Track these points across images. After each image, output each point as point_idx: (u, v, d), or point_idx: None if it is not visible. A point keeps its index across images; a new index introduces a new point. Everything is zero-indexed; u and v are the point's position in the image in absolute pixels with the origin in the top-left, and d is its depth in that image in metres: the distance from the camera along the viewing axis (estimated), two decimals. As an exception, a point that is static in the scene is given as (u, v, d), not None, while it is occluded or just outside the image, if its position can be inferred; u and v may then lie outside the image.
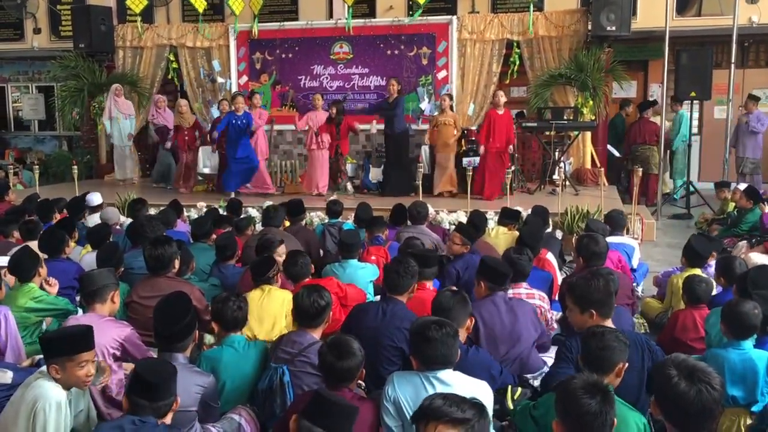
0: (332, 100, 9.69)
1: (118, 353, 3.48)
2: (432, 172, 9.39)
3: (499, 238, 5.93)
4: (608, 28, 9.42)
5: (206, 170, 10.34)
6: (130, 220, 6.42)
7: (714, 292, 4.39)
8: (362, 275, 4.88)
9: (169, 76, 11.63)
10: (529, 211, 7.26)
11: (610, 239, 4.97)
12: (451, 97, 9.40)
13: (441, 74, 10.43)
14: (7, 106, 15.11)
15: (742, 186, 7.86)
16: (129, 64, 11.71)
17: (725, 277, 4.38)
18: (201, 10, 11.07)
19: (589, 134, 10.22)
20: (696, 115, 10.28)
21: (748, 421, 3.22)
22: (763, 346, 3.39)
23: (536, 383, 3.51)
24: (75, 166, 9.24)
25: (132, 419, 2.46)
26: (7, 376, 3.35)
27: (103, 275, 3.73)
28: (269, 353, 3.48)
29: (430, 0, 10.75)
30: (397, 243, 5.69)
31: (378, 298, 4.75)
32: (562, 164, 9.51)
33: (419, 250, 4.52)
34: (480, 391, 2.84)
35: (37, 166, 9.71)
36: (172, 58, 11.57)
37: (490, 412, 2.88)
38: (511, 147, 9.09)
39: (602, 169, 9.20)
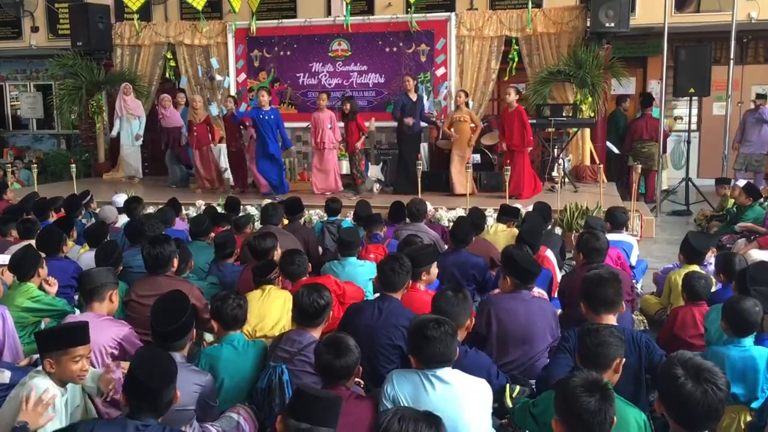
0: (345, 96, 9.64)
1: (116, 352, 3.48)
2: (435, 170, 9.35)
3: (498, 235, 5.93)
4: (607, 25, 9.41)
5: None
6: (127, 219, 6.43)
7: (713, 289, 4.39)
8: (361, 273, 4.87)
9: (167, 74, 11.62)
10: (530, 208, 7.27)
11: (608, 236, 4.95)
12: (466, 94, 9.32)
13: (440, 71, 10.41)
14: (5, 105, 15.08)
15: (742, 183, 7.86)
16: (127, 63, 11.71)
17: (725, 274, 4.38)
18: (200, 8, 11.05)
19: (588, 131, 10.20)
20: (695, 111, 10.26)
21: (749, 418, 3.22)
22: (762, 342, 3.39)
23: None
24: (73, 165, 9.23)
25: (135, 424, 2.42)
26: (5, 376, 3.35)
27: (102, 274, 3.72)
28: (268, 352, 3.48)
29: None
30: (396, 241, 5.68)
31: (377, 296, 4.75)
32: (561, 161, 9.51)
33: (414, 249, 4.50)
34: (479, 388, 2.84)
35: (35, 165, 9.68)
36: (169, 56, 11.56)
37: (489, 411, 2.88)
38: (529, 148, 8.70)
39: (601, 165, 9.19)
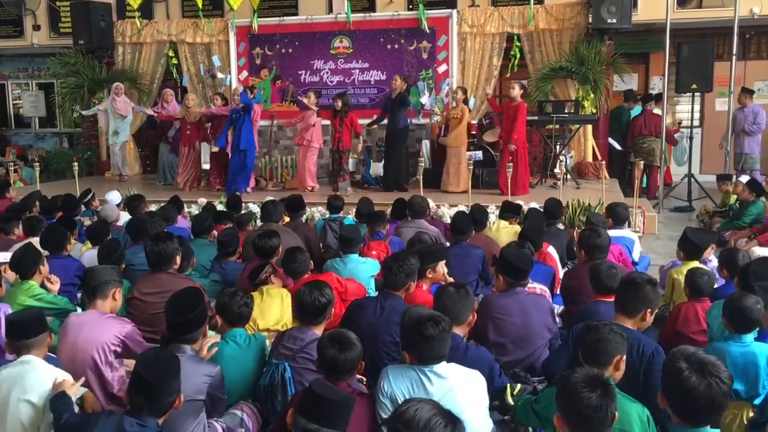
0: (337, 93, 9.65)
1: (119, 350, 3.48)
2: (437, 167, 9.35)
3: (501, 232, 5.92)
4: (609, 21, 9.40)
5: (206, 166, 10.34)
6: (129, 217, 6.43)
7: (716, 285, 4.38)
8: (363, 270, 4.87)
9: (171, 71, 11.62)
10: (531, 204, 7.27)
11: (609, 233, 4.95)
12: (464, 91, 9.31)
13: (441, 68, 10.41)
14: (7, 104, 15.09)
15: (744, 178, 7.84)
16: (129, 61, 11.72)
17: (728, 270, 4.37)
18: (200, 5, 11.05)
19: (590, 127, 10.20)
20: (697, 107, 10.24)
21: (750, 415, 3.22)
22: (764, 339, 3.38)
23: (541, 387, 3.47)
24: (76, 163, 9.24)
25: (131, 421, 2.44)
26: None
27: (106, 271, 3.72)
28: (271, 349, 3.48)
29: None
30: (398, 237, 5.68)
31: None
32: (563, 158, 9.50)
33: (422, 247, 4.50)
34: (473, 379, 2.85)
35: (37, 163, 9.70)
36: (171, 54, 11.56)
37: (484, 402, 2.88)
38: (512, 146, 8.66)
39: (603, 162, 9.17)
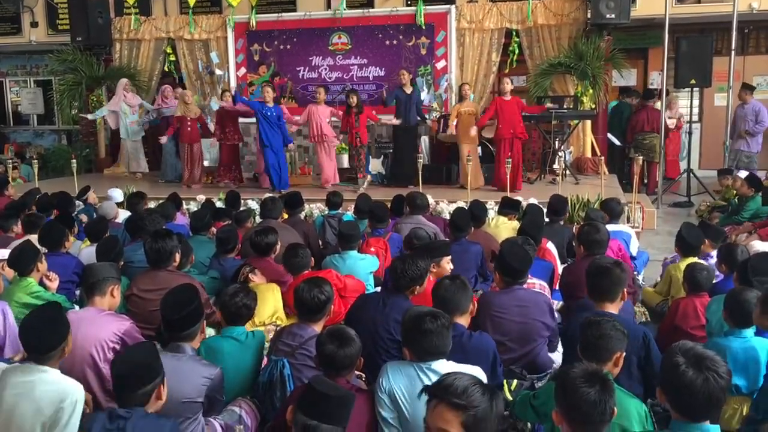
0: (348, 89, 9.62)
1: (117, 347, 3.47)
2: (436, 164, 9.33)
3: (500, 228, 5.91)
4: (608, 16, 9.38)
5: (206, 162, 10.33)
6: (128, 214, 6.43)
7: (715, 280, 4.38)
8: (362, 266, 4.88)
9: (166, 68, 11.62)
10: (531, 200, 7.27)
11: (607, 227, 4.95)
12: (470, 86, 9.28)
13: (440, 64, 10.39)
14: (5, 101, 15.08)
15: (743, 174, 7.84)
16: (126, 57, 11.69)
17: (727, 265, 4.38)
18: (192, 4, 11.03)
19: (589, 123, 10.19)
20: (696, 102, 10.23)
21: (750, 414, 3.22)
22: (763, 334, 3.38)
23: (539, 384, 3.48)
24: (74, 160, 9.23)
25: (119, 412, 2.49)
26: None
27: (104, 268, 3.73)
28: (270, 346, 3.48)
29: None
30: (397, 234, 5.68)
31: (378, 289, 4.75)
32: (562, 153, 9.49)
33: (427, 244, 4.49)
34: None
35: (36, 161, 9.68)
36: (169, 50, 11.55)
37: None
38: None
39: (602, 157, 9.17)
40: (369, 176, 9.24)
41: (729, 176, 8.44)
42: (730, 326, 3.36)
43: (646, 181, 10.26)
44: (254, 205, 8.11)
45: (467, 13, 10.30)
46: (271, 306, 4.11)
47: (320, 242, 6.37)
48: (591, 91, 9.74)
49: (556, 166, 9.01)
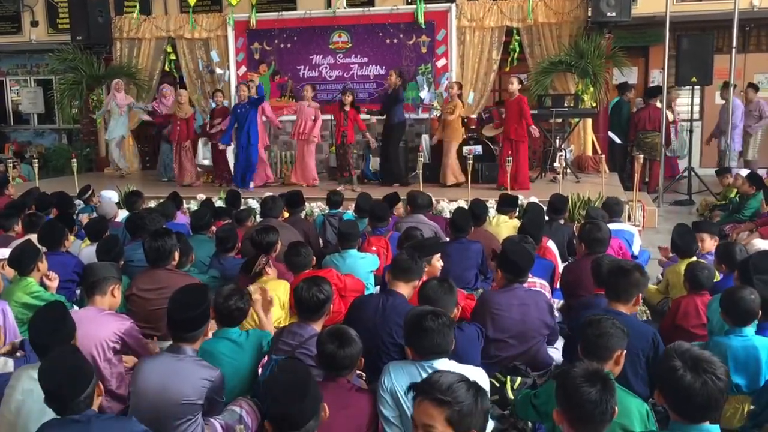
0: (344, 87, 9.62)
1: (118, 347, 3.48)
2: (437, 162, 9.33)
3: (501, 227, 5.91)
4: (608, 14, 9.36)
5: (205, 162, 10.32)
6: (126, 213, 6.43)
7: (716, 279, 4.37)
8: (362, 265, 4.87)
9: (166, 67, 11.61)
10: (531, 198, 7.26)
11: (609, 226, 4.94)
12: (459, 86, 9.28)
13: (440, 62, 10.38)
14: (5, 100, 15.07)
15: (744, 172, 7.83)
16: (127, 56, 11.68)
17: (726, 264, 4.36)
18: (192, 3, 11.03)
19: (590, 121, 10.17)
20: (697, 100, 10.22)
21: (752, 408, 3.21)
22: (764, 332, 3.38)
23: (540, 381, 3.48)
24: (74, 160, 9.23)
25: (71, 418, 2.45)
26: (9, 365, 3.37)
27: (105, 268, 3.73)
28: (271, 345, 3.47)
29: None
30: (398, 233, 5.67)
31: (378, 288, 4.75)
32: (563, 152, 9.48)
33: (416, 242, 4.49)
34: (476, 378, 2.83)
35: (36, 160, 9.68)
36: (169, 49, 11.54)
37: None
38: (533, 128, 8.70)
39: (603, 156, 9.16)
40: (356, 174, 9.26)
41: (729, 174, 8.43)
42: (730, 325, 3.35)
43: (647, 179, 10.25)
44: (254, 204, 8.11)
45: (468, 11, 10.28)
46: (277, 312, 4.07)
47: (320, 241, 6.37)
48: (592, 89, 9.72)
49: (556, 164, 9.00)
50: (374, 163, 9.93)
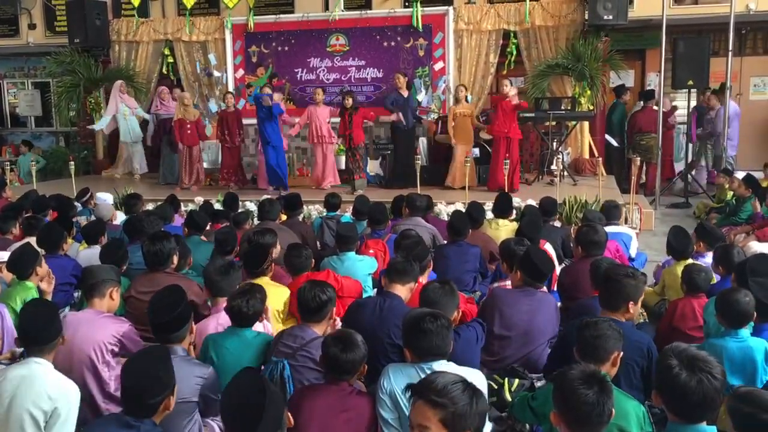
0: (345, 90, 9.64)
1: (116, 349, 3.47)
2: (434, 165, 9.34)
3: (500, 230, 5.92)
4: (605, 17, 9.39)
5: (205, 165, 10.32)
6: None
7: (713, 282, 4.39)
8: (360, 268, 4.87)
9: (164, 70, 11.62)
10: (528, 201, 7.27)
11: (606, 229, 4.96)
12: (466, 88, 9.29)
13: (438, 65, 10.41)
14: (3, 103, 15.06)
15: (741, 174, 7.85)
16: (125, 59, 11.69)
17: (723, 266, 4.38)
18: (189, 6, 11.04)
19: (586, 124, 10.20)
20: (693, 104, 10.25)
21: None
22: (760, 334, 3.39)
23: (539, 384, 3.49)
24: (72, 162, 9.22)
25: (126, 421, 2.43)
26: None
27: (104, 270, 3.73)
28: (271, 347, 3.48)
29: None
30: (395, 235, 5.68)
31: (376, 291, 4.75)
32: (560, 154, 9.49)
33: (407, 245, 4.50)
34: (475, 380, 2.84)
35: (34, 162, 9.67)
36: (167, 52, 11.55)
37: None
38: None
39: (600, 158, 9.18)
40: (365, 178, 9.24)
41: (723, 176, 8.46)
42: (725, 327, 3.37)
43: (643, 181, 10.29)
44: (252, 206, 8.11)
45: (465, 15, 10.31)
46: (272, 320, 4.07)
47: (318, 244, 6.37)
48: (589, 92, 9.75)
49: (554, 167, 9.02)
50: (372, 165, 9.93)
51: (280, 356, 3.28)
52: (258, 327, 3.58)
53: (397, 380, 2.81)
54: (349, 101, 8.94)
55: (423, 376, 2.76)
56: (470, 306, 4.04)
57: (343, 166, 9.64)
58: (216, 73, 11.06)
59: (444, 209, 7.81)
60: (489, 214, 6.76)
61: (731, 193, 7.89)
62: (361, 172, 9.17)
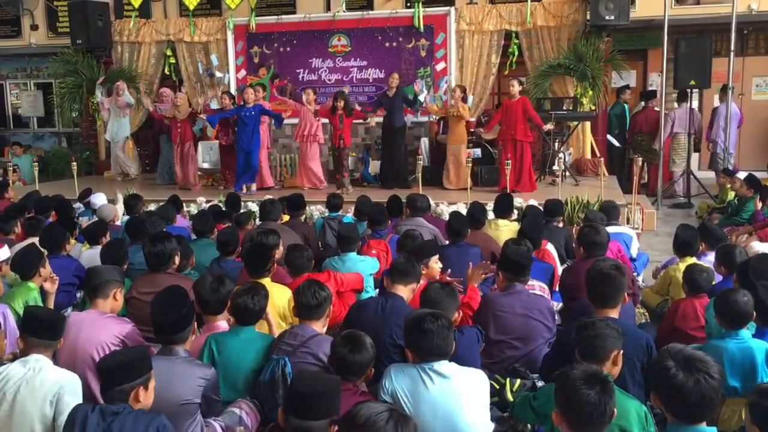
0: (337, 91, 9.64)
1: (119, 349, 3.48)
2: (436, 165, 9.34)
3: (501, 230, 5.92)
4: (607, 18, 9.38)
5: (206, 165, 10.33)
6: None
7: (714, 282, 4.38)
8: (362, 268, 4.87)
9: (166, 71, 11.63)
10: (530, 202, 7.27)
11: (607, 229, 4.95)
12: (463, 89, 9.29)
13: (440, 66, 10.40)
14: (5, 104, 15.08)
15: (742, 174, 7.84)
16: (127, 60, 11.70)
17: (725, 266, 4.38)
18: (192, 7, 11.05)
19: (588, 124, 10.19)
20: (696, 104, 10.25)
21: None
22: (763, 336, 3.39)
23: (540, 383, 3.49)
24: (74, 163, 9.23)
25: (111, 408, 2.53)
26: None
27: (107, 271, 3.74)
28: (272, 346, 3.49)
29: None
30: (397, 235, 5.68)
31: (377, 291, 4.75)
32: (561, 155, 9.49)
33: (415, 246, 4.51)
34: (477, 380, 2.86)
35: (36, 163, 9.69)
36: (169, 53, 11.56)
37: (488, 402, 2.89)
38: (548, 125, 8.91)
39: (602, 159, 9.18)
40: (347, 176, 9.28)
41: (724, 175, 8.45)
42: (725, 328, 3.36)
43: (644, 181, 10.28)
44: (254, 207, 8.11)
45: (467, 15, 10.30)
46: (275, 309, 4.07)
47: (320, 244, 6.38)
48: (591, 92, 9.74)
49: (555, 167, 9.02)
50: (374, 166, 9.94)
51: (281, 354, 3.29)
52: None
53: (399, 381, 2.82)
54: (341, 103, 8.95)
55: (425, 376, 2.79)
56: (474, 299, 4.05)
57: (332, 167, 9.66)
58: (218, 74, 11.06)
59: (446, 209, 7.80)
60: (490, 215, 6.77)
61: (733, 193, 7.89)
62: (344, 171, 9.21)
